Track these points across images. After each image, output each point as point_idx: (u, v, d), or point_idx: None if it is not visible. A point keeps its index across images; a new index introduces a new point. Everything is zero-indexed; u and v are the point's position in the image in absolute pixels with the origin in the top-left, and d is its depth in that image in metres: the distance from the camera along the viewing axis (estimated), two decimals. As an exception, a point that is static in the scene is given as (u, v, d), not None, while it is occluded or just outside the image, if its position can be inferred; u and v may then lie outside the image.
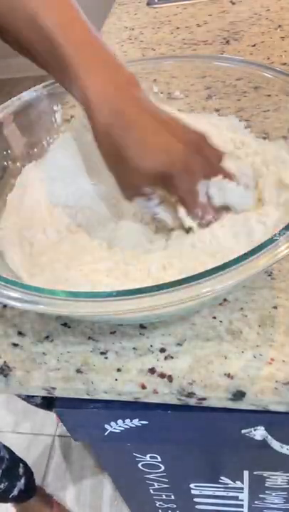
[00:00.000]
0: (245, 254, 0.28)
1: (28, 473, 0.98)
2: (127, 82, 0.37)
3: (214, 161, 0.38)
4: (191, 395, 0.34)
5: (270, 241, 0.28)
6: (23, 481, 0.95)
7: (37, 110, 0.47)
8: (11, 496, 0.93)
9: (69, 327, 0.39)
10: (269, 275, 0.40)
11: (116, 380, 0.35)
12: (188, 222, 0.37)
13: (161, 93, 0.51)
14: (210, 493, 0.62)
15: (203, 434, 0.44)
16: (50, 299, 0.28)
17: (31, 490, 0.99)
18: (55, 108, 0.48)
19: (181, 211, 0.37)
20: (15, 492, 0.93)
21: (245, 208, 0.38)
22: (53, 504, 1.05)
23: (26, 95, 0.47)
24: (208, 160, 0.37)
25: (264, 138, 0.46)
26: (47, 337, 0.38)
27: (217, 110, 0.50)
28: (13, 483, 0.92)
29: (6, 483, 0.90)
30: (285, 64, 0.69)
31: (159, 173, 0.35)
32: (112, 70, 0.37)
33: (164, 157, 0.35)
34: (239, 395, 0.33)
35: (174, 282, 0.27)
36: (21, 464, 0.96)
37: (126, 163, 0.36)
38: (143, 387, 0.35)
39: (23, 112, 0.46)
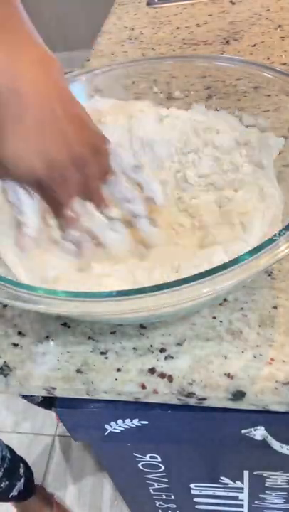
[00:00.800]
0: (245, 254, 0.28)
1: (28, 473, 0.98)
2: (39, 58, 0.31)
3: (94, 180, 0.35)
4: (191, 395, 0.34)
5: (270, 241, 0.28)
6: (22, 480, 0.95)
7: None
8: (10, 496, 0.93)
9: (69, 327, 0.39)
10: (269, 275, 0.40)
11: (116, 380, 0.35)
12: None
13: (161, 93, 0.51)
14: (210, 493, 0.62)
15: (203, 434, 0.44)
16: (50, 298, 0.28)
17: (31, 490, 0.99)
18: None
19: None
20: (14, 492, 0.93)
21: (115, 243, 0.37)
22: (53, 504, 1.06)
23: None
24: (88, 178, 0.35)
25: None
26: (47, 337, 0.38)
27: (217, 110, 0.50)
28: (14, 483, 0.92)
29: (7, 483, 0.90)
30: (285, 64, 0.69)
31: (31, 179, 0.33)
32: (23, 42, 0.31)
33: (42, 159, 0.31)
34: (239, 395, 0.33)
35: (174, 282, 0.27)
36: (22, 464, 0.96)
37: (2, 150, 0.31)
38: (143, 387, 0.35)
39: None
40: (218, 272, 0.27)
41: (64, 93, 0.32)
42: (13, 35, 0.30)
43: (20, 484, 0.94)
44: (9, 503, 1.03)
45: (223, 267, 0.27)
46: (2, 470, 0.87)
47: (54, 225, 0.37)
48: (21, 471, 0.95)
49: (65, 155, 0.32)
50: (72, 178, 0.33)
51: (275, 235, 0.28)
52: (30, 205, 0.36)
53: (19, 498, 0.97)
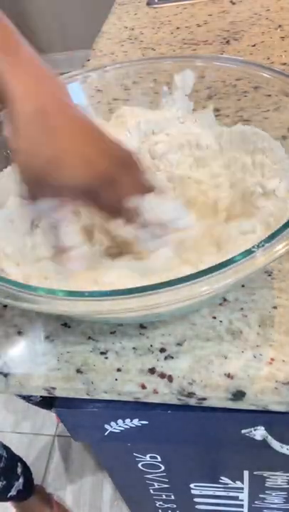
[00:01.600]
0: (242, 252, 0.28)
1: (27, 472, 0.98)
2: (56, 87, 0.34)
3: (141, 179, 0.36)
4: (191, 395, 0.34)
5: (269, 239, 0.28)
6: (21, 480, 0.95)
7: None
8: (9, 496, 0.93)
9: (69, 327, 0.39)
10: (269, 275, 0.40)
11: (116, 380, 0.35)
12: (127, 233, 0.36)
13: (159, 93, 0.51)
14: (210, 493, 0.62)
15: (203, 434, 0.44)
16: (48, 298, 0.28)
17: (30, 490, 0.99)
18: None
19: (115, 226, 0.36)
20: (13, 492, 0.93)
21: (186, 224, 0.37)
22: (53, 504, 1.05)
23: None
24: (135, 177, 0.35)
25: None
26: (47, 337, 0.38)
27: (217, 110, 0.50)
28: (11, 483, 0.92)
29: (4, 482, 0.90)
30: (285, 64, 0.69)
31: (83, 187, 0.33)
32: (40, 74, 0.34)
33: (87, 171, 0.32)
34: (239, 395, 0.33)
35: (171, 281, 0.27)
36: (20, 464, 0.96)
37: (45, 175, 0.32)
38: (143, 387, 0.35)
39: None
40: (216, 270, 0.27)
41: (81, 113, 0.34)
42: (35, 68, 0.33)
43: (18, 484, 0.94)
44: (8, 503, 1.03)
45: (220, 266, 0.27)
46: None
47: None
48: (19, 470, 0.95)
49: (106, 157, 0.33)
50: (120, 176, 0.34)
51: (253, 247, 0.28)
52: (69, 230, 0.37)
53: (18, 498, 0.97)
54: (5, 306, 0.41)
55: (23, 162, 0.33)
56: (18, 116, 0.32)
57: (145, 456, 0.52)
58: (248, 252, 0.28)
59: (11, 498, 0.94)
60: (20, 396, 0.87)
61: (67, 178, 0.33)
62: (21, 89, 0.32)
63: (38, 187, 0.34)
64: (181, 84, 0.44)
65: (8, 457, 0.91)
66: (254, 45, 0.75)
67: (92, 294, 0.28)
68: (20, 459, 0.96)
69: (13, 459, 0.94)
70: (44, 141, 0.32)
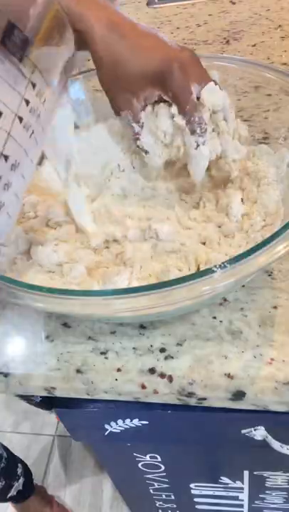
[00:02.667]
0: (242, 253, 0.28)
1: (27, 473, 0.98)
2: (118, 13, 0.40)
3: (203, 70, 0.39)
4: (191, 395, 0.34)
5: (269, 240, 0.28)
6: (21, 481, 0.95)
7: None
8: (8, 496, 0.93)
9: (69, 327, 0.39)
10: (269, 275, 0.40)
11: (116, 380, 0.35)
12: (179, 120, 0.38)
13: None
14: (210, 493, 0.62)
15: (203, 434, 0.44)
16: (47, 297, 0.28)
17: (30, 490, 0.99)
18: None
19: (174, 108, 0.38)
20: (13, 492, 0.93)
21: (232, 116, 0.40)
22: (53, 504, 1.05)
23: None
24: (198, 68, 0.39)
25: (264, 138, 0.46)
26: (47, 337, 0.38)
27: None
28: (11, 483, 0.92)
29: (4, 483, 0.90)
30: (285, 64, 0.69)
31: (157, 70, 0.37)
32: (109, 8, 0.39)
33: (160, 55, 0.37)
34: (239, 395, 0.33)
35: (172, 281, 0.27)
36: (20, 465, 0.96)
37: (123, 67, 0.37)
38: (143, 387, 0.35)
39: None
40: (214, 271, 0.27)
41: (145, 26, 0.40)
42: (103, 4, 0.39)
43: (18, 484, 0.94)
44: (9, 503, 1.03)
45: (222, 265, 0.27)
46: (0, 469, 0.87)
47: None
48: (19, 471, 0.95)
49: (175, 48, 0.38)
50: (189, 63, 0.38)
51: (214, 267, 0.28)
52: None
53: (18, 499, 0.97)
54: (5, 306, 0.41)
55: (106, 66, 0.38)
56: (96, 34, 0.37)
57: (145, 456, 0.52)
58: (250, 252, 0.28)
59: (10, 499, 0.94)
60: (20, 396, 0.87)
61: (144, 62, 0.38)
62: (94, 12, 0.37)
63: (119, 90, 0.39)
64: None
65: (9, 458, 0.92)
66: (254, 45, 0.75)
67: (89, 293, 0.28)
68: (20, 460, 0.96)
69: (14, 459, 0.94)
70: (120, 42, 0.37)
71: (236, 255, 0.28)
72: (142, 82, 0.38)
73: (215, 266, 0.27)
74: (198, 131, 0.38)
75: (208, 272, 0.27)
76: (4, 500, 0.95)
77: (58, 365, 0.36)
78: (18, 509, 1.03)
